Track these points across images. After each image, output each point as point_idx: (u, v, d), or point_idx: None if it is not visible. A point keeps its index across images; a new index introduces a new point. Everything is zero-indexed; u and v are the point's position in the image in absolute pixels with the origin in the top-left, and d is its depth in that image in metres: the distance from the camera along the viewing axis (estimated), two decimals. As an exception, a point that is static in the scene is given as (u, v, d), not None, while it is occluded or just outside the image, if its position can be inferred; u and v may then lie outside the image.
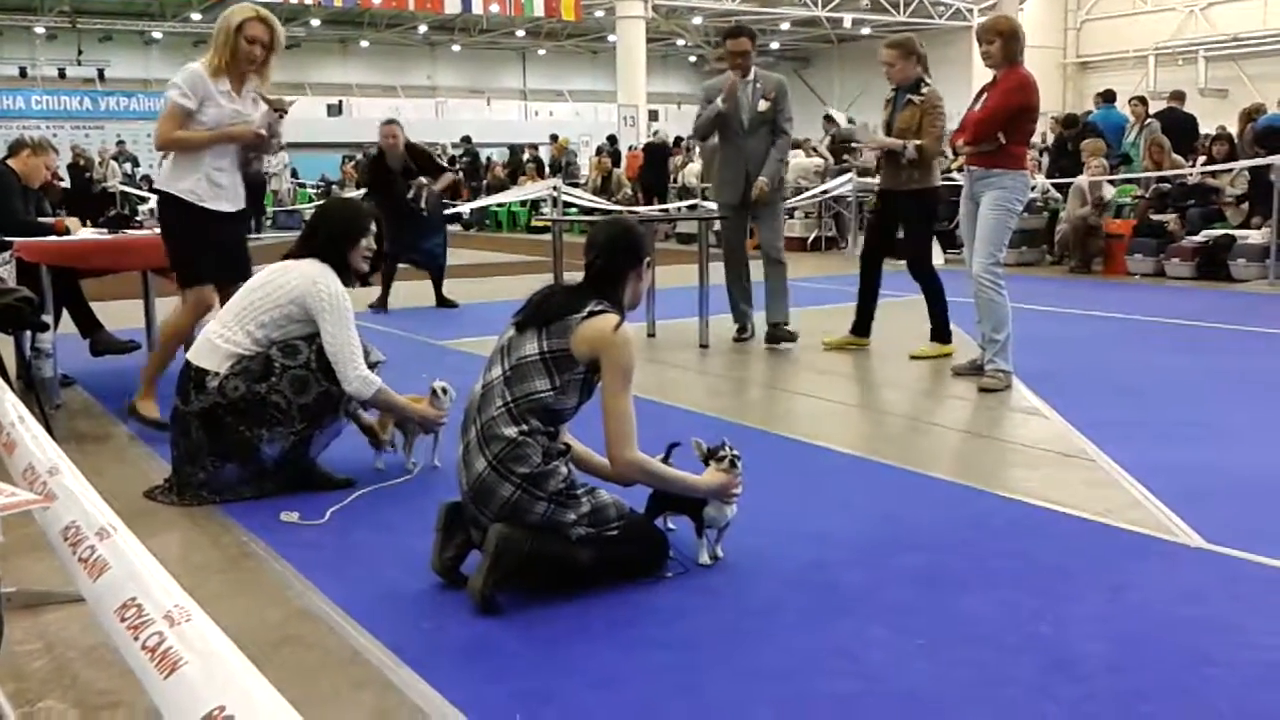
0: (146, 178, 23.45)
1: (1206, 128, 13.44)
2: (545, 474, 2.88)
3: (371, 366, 4.13)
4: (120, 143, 24.96)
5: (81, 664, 2.58)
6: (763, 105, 6.83)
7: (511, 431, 2.87)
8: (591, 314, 2.93)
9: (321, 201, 4.94)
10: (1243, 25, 31.24)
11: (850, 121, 15.23)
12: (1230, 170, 10.97)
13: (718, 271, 7.20)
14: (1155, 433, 4.68)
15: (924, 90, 6.41)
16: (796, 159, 16.17)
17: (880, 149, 6.46)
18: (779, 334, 6.99)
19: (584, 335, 2.91)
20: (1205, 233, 10.54)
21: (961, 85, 29.11)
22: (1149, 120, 12.58)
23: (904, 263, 6.47)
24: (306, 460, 3.92)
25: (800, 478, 4.08)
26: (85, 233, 5.90)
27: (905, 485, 4.00)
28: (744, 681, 2.44)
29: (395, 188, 8.96)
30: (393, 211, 8.60)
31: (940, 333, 6.59)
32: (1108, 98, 14.00)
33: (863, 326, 6.84)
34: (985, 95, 5.75)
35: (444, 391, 4.10)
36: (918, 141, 6.30)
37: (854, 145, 6.57)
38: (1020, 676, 2.44)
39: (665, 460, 3.26)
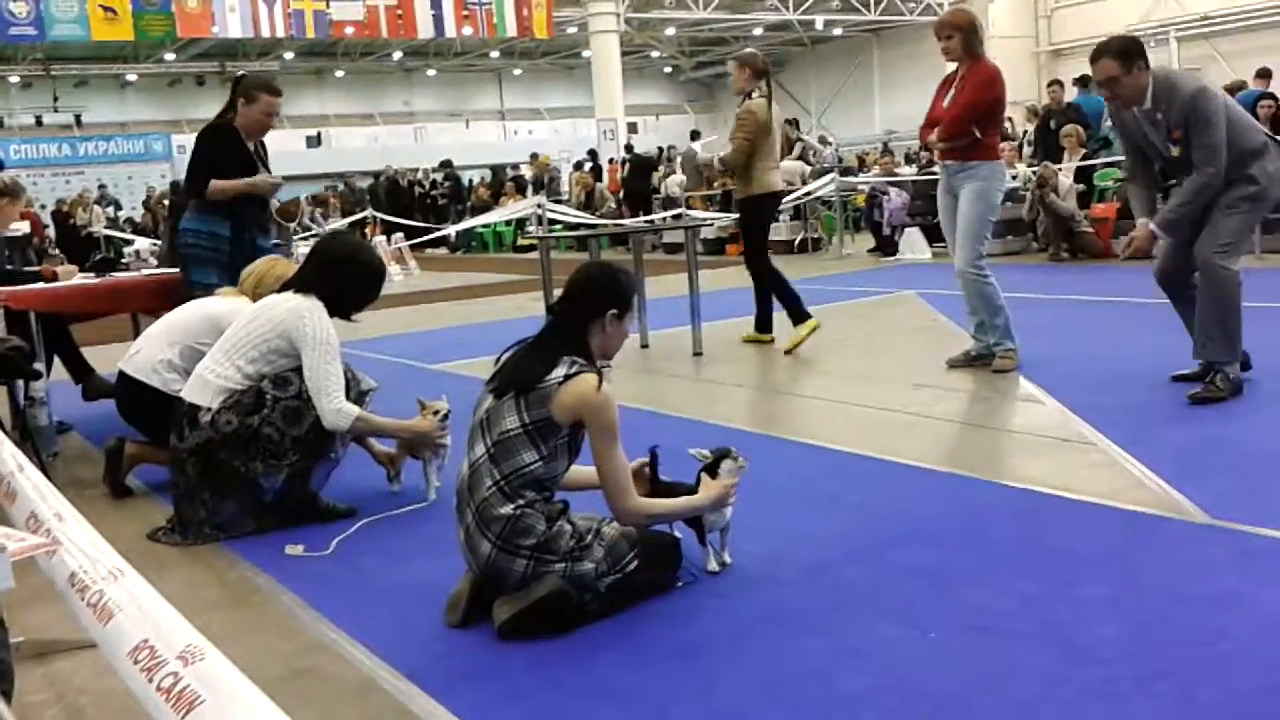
0: (130, 220, 23.46)
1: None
2: (553, 537, 2.82)
3: (363, 395, 4.13)
4: (101, 186, 24.94)
5: (94, 710, 2.56)
6: (1174, 150, 4.66)
7: (508, 509, 2.80)
8: (568, 376, 2.84)
9: (323, 238, 4.85)
10: (1212, 4, 31.41)
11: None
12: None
13: (707, 279, 7.21)
14: (1152, 413, 4.68)
15: (744, 103, 6.82)
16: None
17: (704, 164, 6.94)
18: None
19: (564, 401, 2.82)
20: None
21: (936, 78, 29.26)
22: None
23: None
24: (308, 492, 3.91)
25: (801, 478, 4.08)
26: (76, 278, 5.88)
27: (906, 479, 3.99)
28: (757, 686, 2.43)
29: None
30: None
31: (763, 323, 7.16)
32: (1085, 82, 14.04)
33: (765, 324, 7.17)
34: (952, 90, 5.78)
35: (438, 415, 3.98)
36: (720, 154, 6.75)
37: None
38: (1037, 664, 2.43)
39: (652, 464, 3.26)
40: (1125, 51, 4.66)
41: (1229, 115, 4.61)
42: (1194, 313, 4.81)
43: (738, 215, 7.14)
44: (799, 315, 6.87)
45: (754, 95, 6.81)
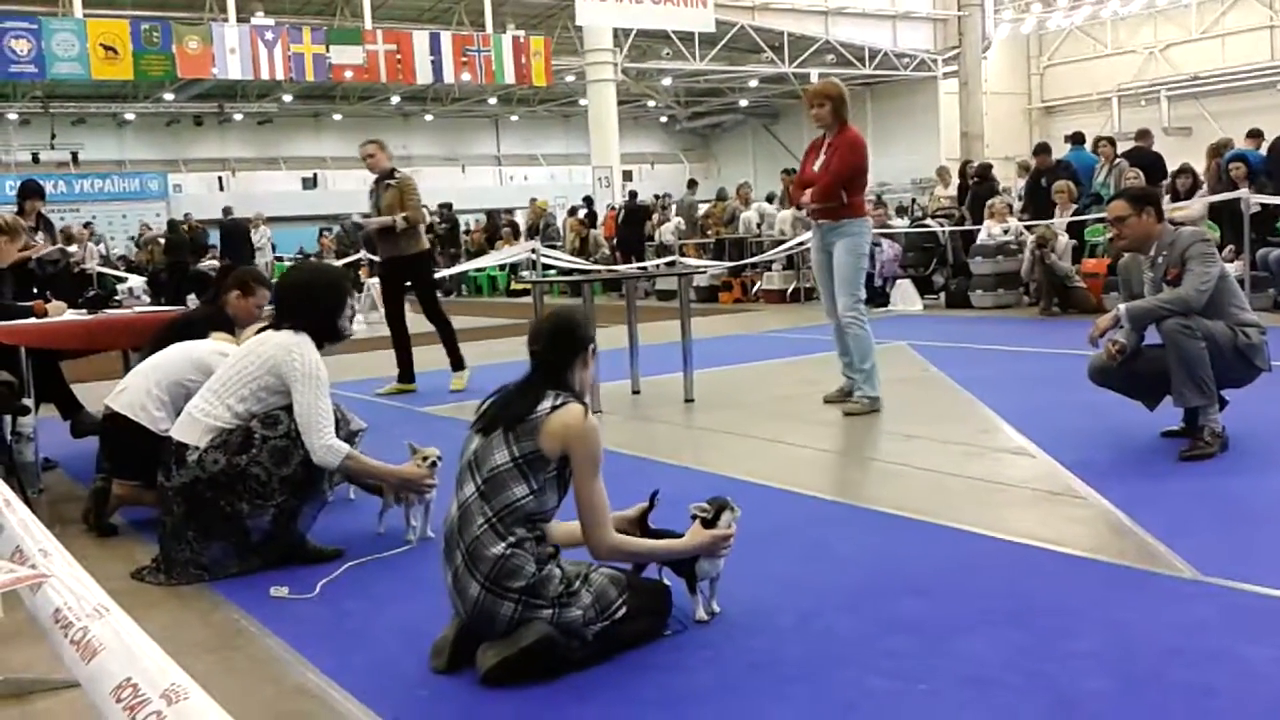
0: (124, 258, 23.50)
1: (1172, 165, 13.62)
2: (542, 581, 2.81)
3: (353, 435, 4.10)
4: (88, 224, 24.91)
5: (72, 751, 2.53)
6: (1167, 289, 4.78)
7: (499, 548, 2.80)
8: (555, 407, 2.89)
9: (283, 274, 5.02)
10: (1202, 64, 31.89)
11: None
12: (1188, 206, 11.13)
13: (699, 326, 7.24)
14: (1142, 467, 4.69)
15: (397, 176, 7.90)
16: (776, 212, 16.35)
17: (379, 227, 7.73)
18: None
19: (552, 430, 2.86)
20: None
21: (929, 132, 29.71)
22: (1117, 160, 12.76)
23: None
24: (294, 534, 3.88)
25: (791, 527, 4.06)
26: (67, 314, 5.87)
27: (895, 530, 3.99)
28: (747, 737, 2.41)
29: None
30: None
31: (458, 363, 8.00)
32: (1077, 139, 14.18)
33: (408, 374, 8.03)
34: (822, 156, 6.32)
35: (427, 461, 3.98)
36: (405, 214, 7.69)
37: (360, 229, 7.69)
38: (1026, 718, 2.41)
39: (650, 507, 3.26)
40: (1138, 197, 5.02)
41: (1225, 275, 4.82)
42: (1134, 387, 4.99)
43: (411, 269, 8.01)
44: (407, 374, 8.04)
45: (396, 172, 7.94)
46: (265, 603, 3.48)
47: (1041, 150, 13.82)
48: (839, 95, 6.28)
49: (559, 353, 3.04)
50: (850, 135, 6.29)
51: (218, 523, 3.76)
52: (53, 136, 30.61)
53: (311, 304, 4.01)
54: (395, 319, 8.02)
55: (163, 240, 18.73)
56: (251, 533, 3.78)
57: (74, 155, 31.07)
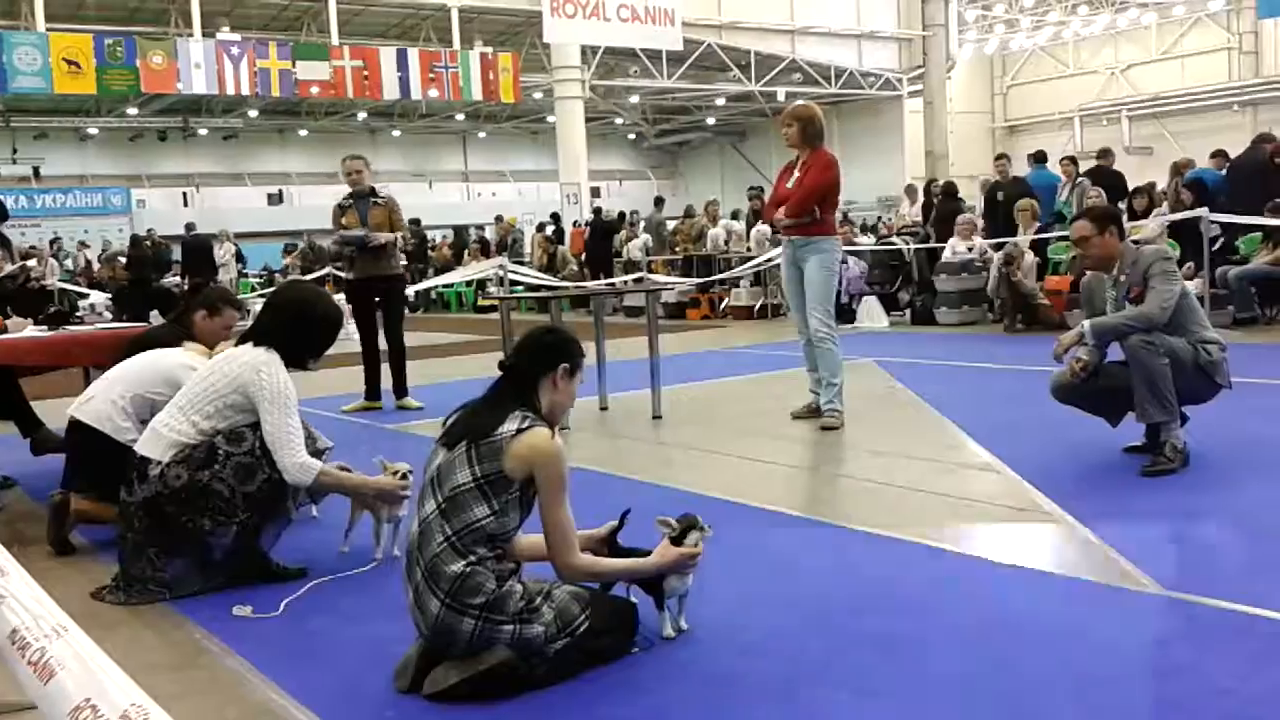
0: (85, 272, 23.29)
1: (1133, 184, 13.81)
2: (502, 597, 2.78)
3: (319, 453, 4.07)
4: (54, 240, 24.68)
5: (29, 775, 2.48)
6: (1129, 308, 4.83)
7: (458, 566, 2.77)
8: (520, 430, 2.87)
9: (279, 286, 4.95)
10: (1162, 85, 32.41)
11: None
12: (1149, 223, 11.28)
13: (667, 342, 7.24)
14: (1105, 483, 4.73)
15: (382, 195, 7.99)
16: (738, 228, 16.40)
17: (387, 243, 7.67)
18: None
19: (517, 452, 2.84)
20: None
21: (894, 150, 29.97)
22: (1079, 179, 12.91)
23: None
24: (257, 551, 3.84)
25: (758, 543, 4.07)
26: (28, 330, 5.80)
27: (863, 546, 3.99)
28: (715, 754, 2.40)
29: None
30: None
31: (403, 390, 7.99)
32: (1039, 158, 14.35)
33: (374, 392, 7.98)
34: (796, 175, 6.46)
35: (399, 475, 3.98)
36: (401, 233, 7.87)
37: (365, 243, 7.65)
38: (991, 733, 2.42)
39: (619, 526, 3.25)
40: (1100, 216, 5.08)
41: (1186, 292, 4.87)
42: (1097, 403, 5.04)
43: (389, 289, 8.01)
44: (374, 392, 7.99)
45: (376, 190, 7.93)
46: (228, 621, 3.44)
47: (1001, 158, 14.06)
48: (808, 117, 6.46)
49: (530, 365, 3.03)
50: (826, 156, 6.46)
51: (179, 539, 3.71)
52: (14, 151, 30.31)
53: (302, 329, 3.97)
54: (369, 335, 8.01)
55: (124, 257, 18.57)
56: (214, 550, 3.74)
57: (35, 170, 30.78)
